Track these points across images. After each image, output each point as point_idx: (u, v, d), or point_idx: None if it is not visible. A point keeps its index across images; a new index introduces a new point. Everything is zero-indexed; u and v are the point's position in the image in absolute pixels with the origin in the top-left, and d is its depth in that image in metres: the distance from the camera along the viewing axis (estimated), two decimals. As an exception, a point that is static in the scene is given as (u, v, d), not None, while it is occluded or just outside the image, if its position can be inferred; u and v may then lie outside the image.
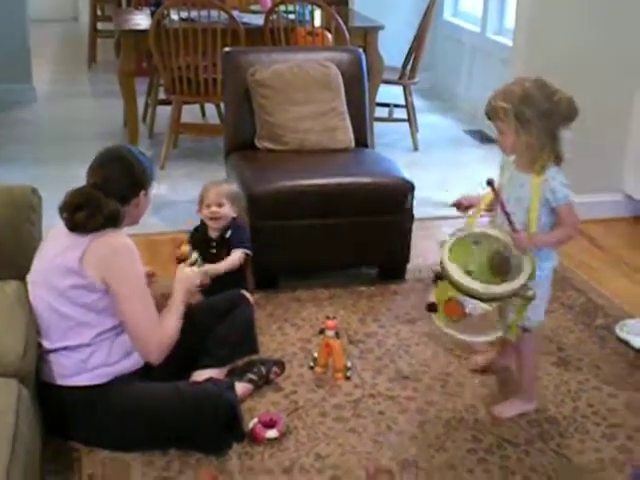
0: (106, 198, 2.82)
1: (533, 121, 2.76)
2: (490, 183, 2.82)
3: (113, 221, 2.82)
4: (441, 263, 2.79)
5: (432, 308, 2.85)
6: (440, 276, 2.81)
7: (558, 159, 2.86)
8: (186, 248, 3.52)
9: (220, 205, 3.70)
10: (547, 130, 2.79)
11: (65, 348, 2.82)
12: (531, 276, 2.75)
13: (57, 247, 2.85)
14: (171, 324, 2.94)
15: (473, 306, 2.74)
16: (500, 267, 2.78)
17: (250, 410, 3.09)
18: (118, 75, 5.76)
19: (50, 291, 2.82)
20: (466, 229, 2.88)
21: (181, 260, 3.45)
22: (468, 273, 2.74)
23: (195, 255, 3.49)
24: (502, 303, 2.80)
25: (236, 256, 3.68)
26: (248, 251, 3.72)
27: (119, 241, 2.84)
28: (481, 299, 2.72)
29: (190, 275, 3.16)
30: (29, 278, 2.92)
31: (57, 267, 2.80)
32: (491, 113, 2.83)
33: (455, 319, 2.80)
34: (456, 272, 2.74)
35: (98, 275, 2.77)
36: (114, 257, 2.81)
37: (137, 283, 2.85)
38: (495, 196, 2.85)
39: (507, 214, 2.78)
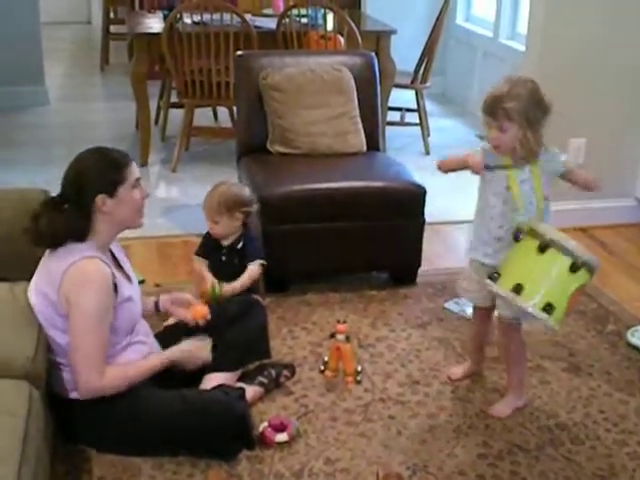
0: (60, 209, 2.71)
1: (540, 120, 2.87)
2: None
3: (72, 236, 2.72)
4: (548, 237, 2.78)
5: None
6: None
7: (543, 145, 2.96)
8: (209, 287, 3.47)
9: (215, 222, 3.63)
10: (543, 126, 2.91)
11: (65, 364, 2.80)
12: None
13: (43, 269, 2.81)
14: (126, 374, 2.80)
15: None
16: None
17: (260, 414, 3.09)
18: (131, 78, 5.76)
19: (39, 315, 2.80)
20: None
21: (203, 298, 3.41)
22: None
23: (216, 283, 3.49)
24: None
25: (254, 271, 3.64)
26: (263, 262, 3.69)
27: (89, 271, 2.70)
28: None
29: (201, 356, 3.02)
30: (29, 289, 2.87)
31: (41, 291, 2.78)
32: (500, 113, 2.87)
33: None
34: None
35: (65, 299, 2.70)
36: (77, 287, 2.68)
37: (86, 318, 2.69)
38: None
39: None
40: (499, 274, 2.81)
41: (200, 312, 3.16)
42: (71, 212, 2.74)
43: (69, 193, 2.76)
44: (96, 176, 2.75)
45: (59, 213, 2.74)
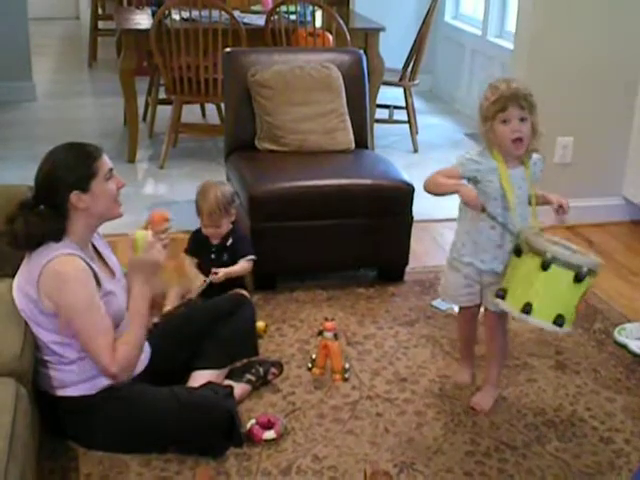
0: (35, 211, 2.69)
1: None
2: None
3: (49, 237, 2.70)
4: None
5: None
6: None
7: None
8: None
9: (218, 226, 3.69)
10: None
11: (51, 362, 2.79)
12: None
13: (24, 268, 2.78)
14: (129, 340, 2.78)
15: None
16: None
17: (248, 411, 3.09)
18: (119, 74, 5.75)
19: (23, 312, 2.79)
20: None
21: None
22: None
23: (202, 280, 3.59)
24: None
25: (245, 266, 3.72)
26: (254, 257, 3.75)
27: (65, 269, 2.67)
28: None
29: (145, 259, 2.85)
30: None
31: (21, 287, 2.77)
32: (525, 104, 2.88)
33: None
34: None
35: (48, 299, 2.68)
36: (57, 287, 2.66)
37: (79, 313, 2.67)
38: None
39: None
40: (505, 291, 2.85)
41: (159, 216, 3.04)
42: (46, 212, 2.71)
43: (42, 194, 2.72)
44: (67, 173, 2.70)
45: (34, 215, 2.70)
